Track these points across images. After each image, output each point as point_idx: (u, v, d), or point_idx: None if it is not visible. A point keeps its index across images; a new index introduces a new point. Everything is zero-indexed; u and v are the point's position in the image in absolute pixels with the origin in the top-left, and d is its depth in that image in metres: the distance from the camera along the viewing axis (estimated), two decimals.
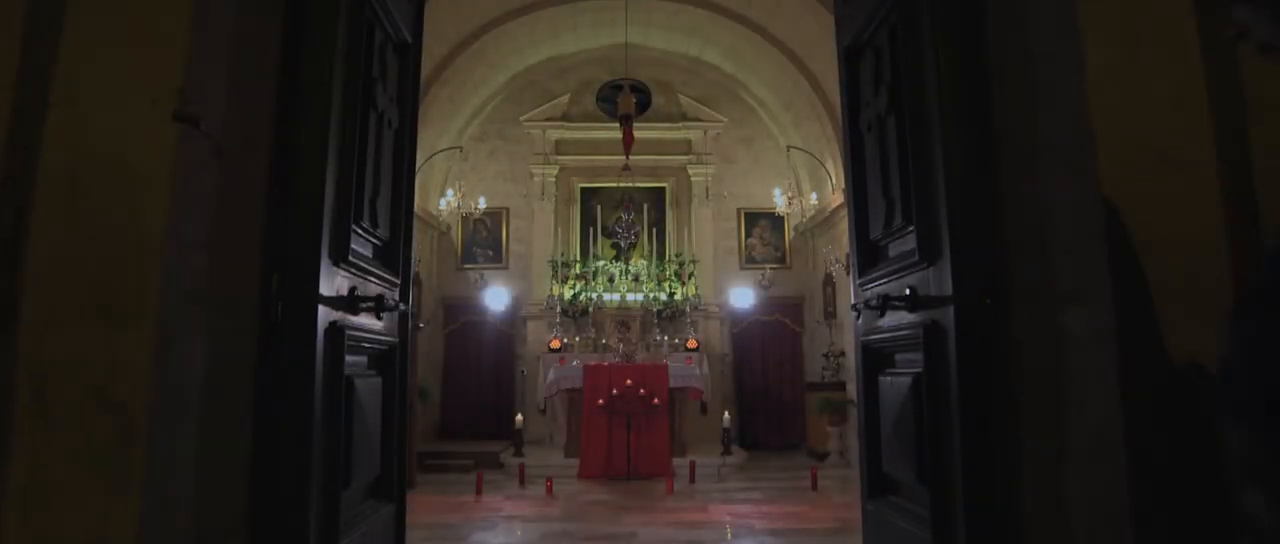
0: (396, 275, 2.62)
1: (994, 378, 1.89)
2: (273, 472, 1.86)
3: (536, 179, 10.55)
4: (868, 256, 2.67)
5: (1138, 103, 1.52)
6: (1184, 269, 1.51)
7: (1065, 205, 1.65)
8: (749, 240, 10.68)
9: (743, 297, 10.20)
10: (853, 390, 8.71)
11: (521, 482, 7.73)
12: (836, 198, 8.96)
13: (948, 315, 2.02)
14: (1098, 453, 1.53)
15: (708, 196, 10.42)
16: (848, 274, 8.71)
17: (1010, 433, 1.86)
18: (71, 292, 1.45)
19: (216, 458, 1.66)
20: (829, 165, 9.33)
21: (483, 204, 10.09)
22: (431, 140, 9.46)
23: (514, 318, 10.46)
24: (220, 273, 1.65)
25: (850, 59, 2.80)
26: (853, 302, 2.75)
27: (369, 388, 2.41)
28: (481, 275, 10.44)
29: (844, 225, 8.76)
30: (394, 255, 2.64)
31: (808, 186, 10.23)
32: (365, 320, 2.34)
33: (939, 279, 2.08)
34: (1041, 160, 1.72)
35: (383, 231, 2.54)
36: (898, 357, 2.46)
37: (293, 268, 1.94)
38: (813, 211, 9.88)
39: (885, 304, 2.35)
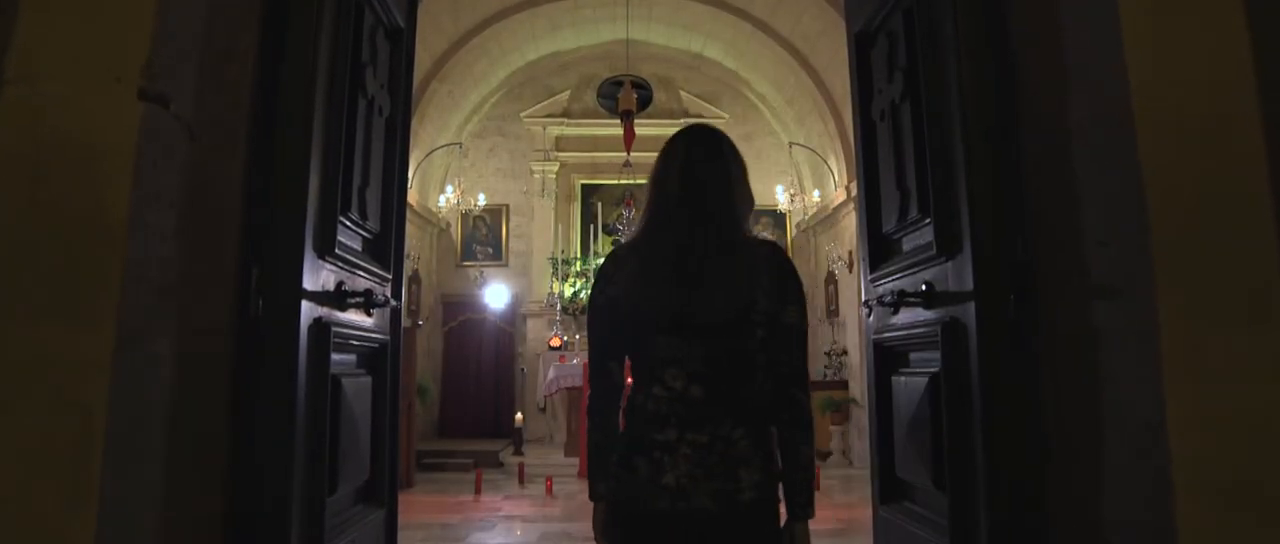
0: (387, 270, 2.52)
1: (1019, 379, 1.79)
2: (251, 479, 1.75)
3: (537, 176, 10.46)
4: (880, 251, 2.56)
5: (1183, 78, 1.40)
6: (1227, 269, 1.39)
7: (1100, 193, 1.54)
8: None
9: None
10: (855, 389, 8.58)
11: (521, 481, 7.65)
12: (839, 195, 8.83)
13: (968, 312, 1.91)
14: (1138, 460, 1.42)
15: None
16: (851, 271, 8.62)
17: (1036, 438, 1.76)
18: (27, 285, 1.34)
19: (188, 464, 1.55)
20: (831, 162, 9.21)
21: (482, 201, 10.00)
22: (431, 136, 9.37)
23: (514, 315, 10.36)
24: (192, 265, 1.54)
25: (861, 45, 2.70)
26: (863, 298, 2.64)
27: (358, 388, 2.30)
28: (481, 272, 10.34)
29: (846, 223, 8.64)
30: (385, 249, 2.53)
31: (810, 184, 10.12)
32: (354, 317, 2.24)
33: (959, 273, 1.97)
34: (1073, 143, 1.60)
35: (373, 224, 2.44)
36: (913, 356, 2.36)
37: (273, 261, 1.82)
38: (815, 209, 9.77)
39: (900, 300, 2.25)
